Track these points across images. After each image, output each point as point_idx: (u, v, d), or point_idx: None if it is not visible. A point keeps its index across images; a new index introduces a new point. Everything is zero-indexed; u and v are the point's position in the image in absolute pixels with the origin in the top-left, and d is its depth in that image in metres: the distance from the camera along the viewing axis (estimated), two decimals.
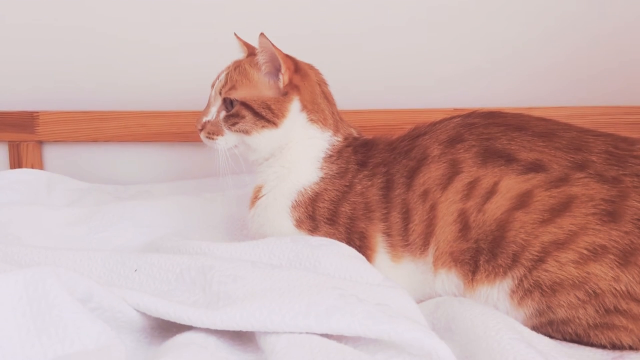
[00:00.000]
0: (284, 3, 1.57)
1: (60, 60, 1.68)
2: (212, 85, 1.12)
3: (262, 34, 1.03)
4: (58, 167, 1.69)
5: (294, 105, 1.07)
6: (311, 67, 1.14)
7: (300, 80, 1.09)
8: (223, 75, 1.11)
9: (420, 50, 1.56)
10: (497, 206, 0.90)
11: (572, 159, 0.89)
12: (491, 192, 0.91)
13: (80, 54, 1.67)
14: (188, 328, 0.74)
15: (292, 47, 1.13)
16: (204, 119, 1.10)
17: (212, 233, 1.26)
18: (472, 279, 0.91)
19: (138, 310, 0.76)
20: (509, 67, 1.54)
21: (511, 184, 0.90)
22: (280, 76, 1.06)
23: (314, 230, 1.04)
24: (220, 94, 1.09)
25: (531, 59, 1.53)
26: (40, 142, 1.69)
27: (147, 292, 0.79)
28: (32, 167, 1.65)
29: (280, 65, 1.05)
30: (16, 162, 1.67)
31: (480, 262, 0.91)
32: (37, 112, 1.65)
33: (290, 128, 1.07)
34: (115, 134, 1.62)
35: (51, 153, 1.71)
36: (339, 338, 0.71)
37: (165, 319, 0.74)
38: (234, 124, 1.07)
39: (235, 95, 1.07)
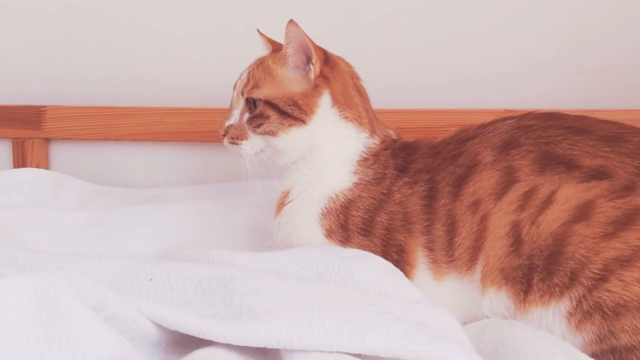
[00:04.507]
0: None
1: (70, 50, 1.72)
2: (234, 87, 1.16)
3: (291, 20, 1.05)
4: (66, 167, 1.73)
5: (324, 100, 1.10)
6: (341, 58, 1.17)
7: (330, 71, 1.11)
8: (245, 74, 1.14)
9: (468, 41, 1.57)
10: (553, 218, 0.91)
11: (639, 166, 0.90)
12: (547, 202, 0.92)
13: (92, 43, 1.71)
14: (207, 343, 0.76)
15: (317, 35, 1.13)
16: (227, 123, 1.13)
17: (233, 242, 1.28)
18: (524, 300, 0.92)
19: (154, 322, 0.78)
20: (570, 63, 1.54)
21: (570, 193, 0.91)
22: (311, 66, 1.09)
23: (345, 241, 1.05)
24: (242, 94, 1.12)
25: (595, 55, 1.53)
26: (47, 140, 1.73)
27: (163, 303, 0.81)
28: (38, 167, 1.69)
29: (310, 56, 1.08)
30: (20, 161, 1.71)
31: (534, 280, 0.91)
32: (44, 107, 1.69)
33: (321, 126, 1.09)
34: (129, 132, 1.66)
35: (58, 151, 1.75)
36: (373, 359, 0.72)
37: (183, 332, 0.76)
38: (258, 126, 1.09)
39: (259, 94, 1.10)
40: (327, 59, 1.12)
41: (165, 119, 1.65)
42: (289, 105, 1.08)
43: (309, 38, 1.07)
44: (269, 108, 1.09)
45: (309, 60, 1.09)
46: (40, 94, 1.74)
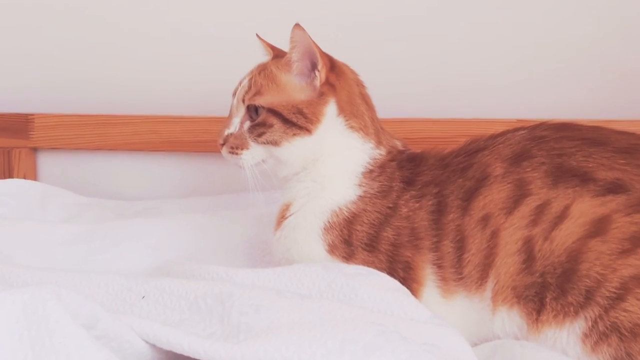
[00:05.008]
0: None
1: (60, 55, 1.73)
2: (234, 94, 1.16)
3: (297, 24, 1.06)
4: (54, 178, 1.73)
5: (330, 109, 1.10)
6: (346, 65, 1.18)
7: (336, 79, 1.12)
8: (246, 81, 1.14)
9: (477, 48, 1.57)
10: (567, 233, 0.91)
11: None
12: (560, 217, 0.92)
13: (82, 48, 1.71)
14: None
15: (318, 40, 1.13)
16: (226, 132, 1.14)
17: (230, 257, 1.28)
18: (536, 319, 0.92)
19: (147, 342, 0.77)
20: (585, 71, 1.54)
21: (585, 208, 0.91)
22: (317, 73, 1.09)
23: (349, 257, 1.05)
24: (243, 101, 1.13)
25: (611, 63, 1.53)
26: (35, 149, 1.74)
27: (156, 322, 0.81)
28: (25, 178, 1.69)
29: (316, 62, 1.09)
30: (6, 172, 1.72)
31: (547, 299, 0.91)
32: (32, 115, 1.69)
33: (326, 135, 1.10)
34: (122, 141, 1.67)
35: (47, 162, 1.75)
36: None
37: (178, 352, 0.76)
38: (260, 135, 1.10)
39: (261, 101, 1.10)
40: (333, 65, 1.12)
41: (160, 127, 1.65)
42: (294, 114, 1.09)
43: (315, 43, 1.08)
44: (272, 116, 1.09)
45: (314, 66, 1.10)
46: (28, 101, 1.74)
